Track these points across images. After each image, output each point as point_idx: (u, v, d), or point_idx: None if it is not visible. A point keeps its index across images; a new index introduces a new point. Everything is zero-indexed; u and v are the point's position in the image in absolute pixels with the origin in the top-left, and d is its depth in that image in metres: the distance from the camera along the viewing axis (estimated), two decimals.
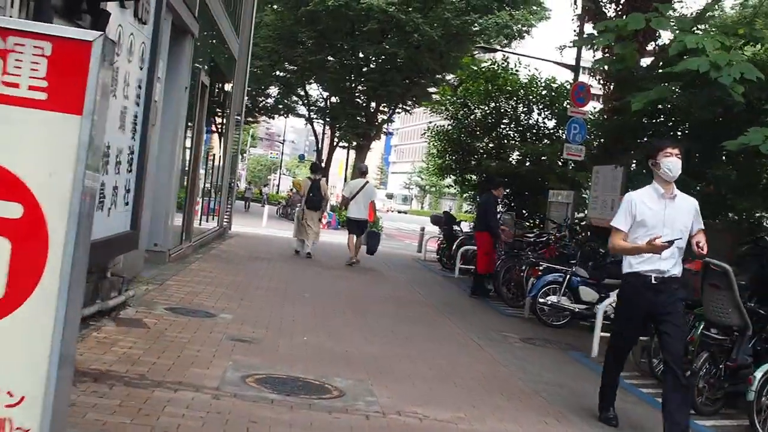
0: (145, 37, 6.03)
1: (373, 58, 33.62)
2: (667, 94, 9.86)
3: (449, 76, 32.06)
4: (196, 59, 10.58)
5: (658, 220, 5.11)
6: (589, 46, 14.14)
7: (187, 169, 11.08)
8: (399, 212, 77.87)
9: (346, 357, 6.10)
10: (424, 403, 5.05)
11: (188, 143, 10.92)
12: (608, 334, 8.10)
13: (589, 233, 12.02)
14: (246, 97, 40.87)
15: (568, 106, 15.47)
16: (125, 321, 6.11)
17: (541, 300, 9.66)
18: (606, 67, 12.50)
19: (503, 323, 9.48)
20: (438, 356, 6.68)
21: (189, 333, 6.05)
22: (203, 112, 11.70)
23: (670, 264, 5.09)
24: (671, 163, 5.06)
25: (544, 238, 11.65)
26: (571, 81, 17.58)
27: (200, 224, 13.17)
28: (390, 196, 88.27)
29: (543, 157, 17.19)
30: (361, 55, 34.44)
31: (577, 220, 13.80)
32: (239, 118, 16.88)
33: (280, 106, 42.73)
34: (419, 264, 17.03)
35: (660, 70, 10.78)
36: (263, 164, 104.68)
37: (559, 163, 16.62)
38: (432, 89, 35.29)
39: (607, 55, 12.78)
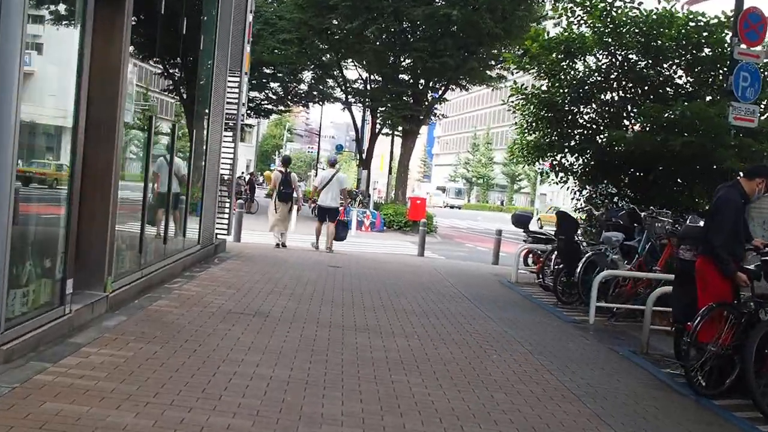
0: None
1: (421, 24, 27.53)
2: None
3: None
4: None
5: None
6: None
7: (69, 134, 5.26)
8: (451, 207, 71.11)
9: None
10: None
11: (54, 78, 5.10)
12: None
13: None
14: (277, 83, 35.57)
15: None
16: None
17: None
18: None
19: None
20: None
21: None
22: (120, 35, 5.85)
23: None
24: None
25: None
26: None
27: (144, 248, 7.33)
28: (443, 190, 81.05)
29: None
30: (405, 25, 28.46)
31: None
32: (235, 79, 10.94)
33: (315, 93, 37.27)
34: (513, 292, 11.05)
35: None
36: (303, 160, 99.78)
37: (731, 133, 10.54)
38: (493, 62, 29.17)
39: None
